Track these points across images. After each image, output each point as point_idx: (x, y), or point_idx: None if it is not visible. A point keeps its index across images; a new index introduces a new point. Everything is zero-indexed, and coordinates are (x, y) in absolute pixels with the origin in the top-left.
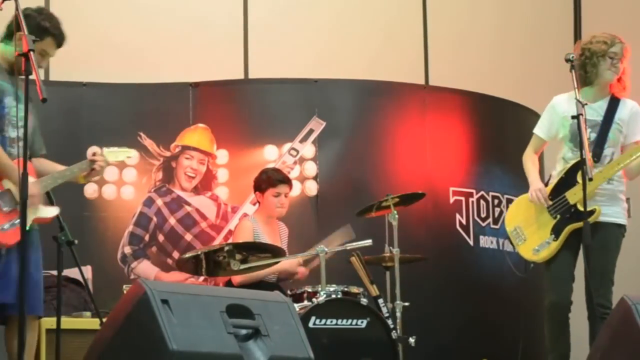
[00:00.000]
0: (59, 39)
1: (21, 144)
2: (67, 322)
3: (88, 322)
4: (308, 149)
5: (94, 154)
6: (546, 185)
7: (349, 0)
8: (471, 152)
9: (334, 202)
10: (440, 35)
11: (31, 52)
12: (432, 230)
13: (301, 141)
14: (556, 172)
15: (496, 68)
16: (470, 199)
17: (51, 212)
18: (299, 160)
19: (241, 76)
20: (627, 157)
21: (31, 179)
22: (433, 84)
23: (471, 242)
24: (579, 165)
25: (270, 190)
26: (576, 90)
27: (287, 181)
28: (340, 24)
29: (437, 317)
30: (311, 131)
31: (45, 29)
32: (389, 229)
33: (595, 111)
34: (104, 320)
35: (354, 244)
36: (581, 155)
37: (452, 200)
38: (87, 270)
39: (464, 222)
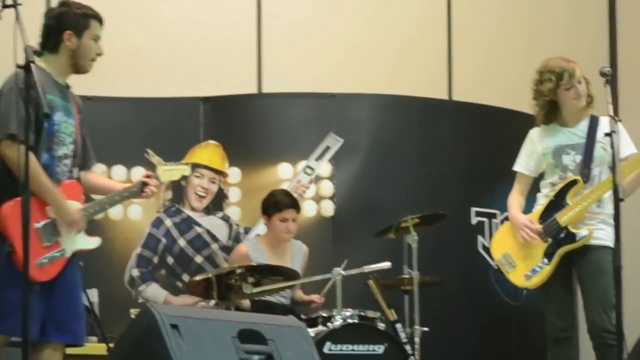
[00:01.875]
0: (99, 17)
1: (67, 161)
2: (73, 348)
3: (94, 347)
4: (324, 167)
5: (147, 176)
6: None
7: (369, 10)
8: (495, 172)
9: (351, 223)
10: (465, 48)
11: (32, 65)
12: (453, 252)
13: (317, 159)
14: (541, 195)
15: (523, 83)
16: (493, 220)
17: (93, 243)
18: (315, 179)
19: (254, 90)
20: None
21: (76, 204)
22: (457, 98)
23: (494, 265)
24: (568, 188)
25: (277, 215)
26: (609, 105)
27: (295, 206)
28: (359, 35)
29: (458, 343)
30: (327, 148)
31: (84, 15)
32: (408, 251)
33: (576, 135)
34: (111, 345)
35: (372, 266)
36: (613, 175)
37: (474, 221)
38: (93, 294)
39: (486, 244)
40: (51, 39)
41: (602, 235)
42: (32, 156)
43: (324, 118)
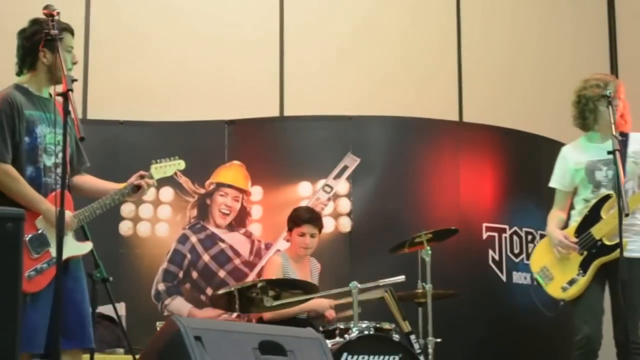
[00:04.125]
0: (70, 29)
1: (59, 170)
2: (101, 359)
3: (121, 358)
4: (342, 186)
5: (140, 176)
6: (567, 226)
7: (386, 39)
8: (504, 188)
9: (368, 238)
10: (474, 72)
11: (70, 92)
12: (465, 266)
13: (335, 178)
14: (575, 211)
15: (532, 105)
16: (504, 235)
17: (84, 248)
18: (333, 196)
19: (276, 113)
20: None
21: (67, 213)
22: (467, 120)
23: (504, 278)
24: (602, 202)
25: (296, 230)
26: (613, 125)
27: (313, 221)
28: (376, 62)
29: (470, 353)
30: (345, 168)
31: (61, 29)
32: (421, 265)
33: (607, 149)
34: (137, 357)
35: (387, 280)
36: (618, 190)
37: (485, 236)
38: (121, 307)
39: (497, 258)
40: (27, 58)
41: (636, 247)
42: (14, 171)
43: (341, 139)
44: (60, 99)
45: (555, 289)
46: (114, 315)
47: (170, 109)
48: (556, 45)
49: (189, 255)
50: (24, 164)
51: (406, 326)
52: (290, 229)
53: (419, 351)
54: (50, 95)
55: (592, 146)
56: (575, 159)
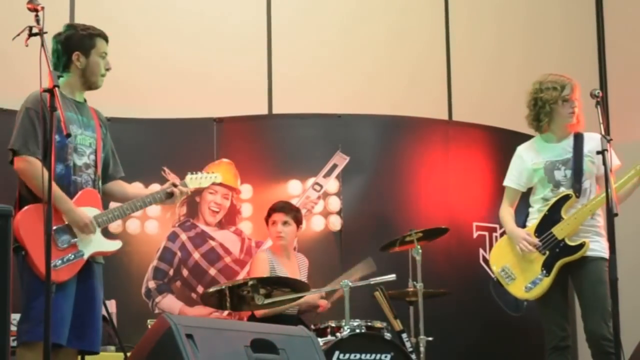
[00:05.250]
0: (104, 35)
1: (90, 170)
2: (91, 357)
3: (112, 356)
4: (332, 184)
5: (174, 185)
6: (524, 226)
7: (374, 37)
8: (494, 187)
9: (358, 236)
10: (463, 71)
11: (56, 88)
12: (456, 265)
13: (325, 176)
14: (534, 209)
15: (519, 104)
16: (494, 234)
17: (113, 246)
18: (323, 195)
19: (265, 111)
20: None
21: (94, 211)
22: (456, 119)
23: (493, 278)
24: (562, 202)
25: (269, 221)
26: (601, 125)
27: (282, 209)
28: (365, 60)
29: (461, 351)
30: (335, 166)
31: (90, 35)
32: (412, 264)
33: (564, 149)
34: (129, 354)
35: (378, 278)
36: (607, 191)
37: (475, 235)
38: (112, 305)
39: (487, 256)
40: (61, 60)
41: (597, 247)
42: (41, 166)
43: (331, 137)
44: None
45: (518, 289)
46: (104, 312)
47: (158, 106)
48: (543, 45)
49: (179, 253)
50: (54, 161)
51: (398, 325)
52: (267, 224)
53: (410, 350)
54: (85, 100)
55: (549, 146)
56: (532, 159)
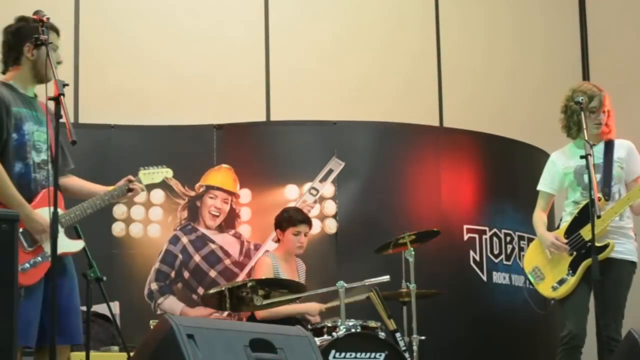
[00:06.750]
0: (55, 28)
1: (48, 167)
2: (96, 357)
3: (116, 356)
4: (328, 189)
5: (129, 180)
6: (558, 227)
7: (368, 47)
8: (484, 191)
9: (353, 239)
10: (454, 79)
11: (62, 97)
12: (447, 266)
13: (321, 181)
14: (566, 212)
15: (507, 110)
16: (484, 236)
17: (76, 246)
18: (319, 199)
19: (263, 118)
20: (635, 193)
21: (56, 212)
22: (447, 125)
23: (484, 278)
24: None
25: (290, 229)
26: (585, 130)
27: (307, 221)
28: (359, 69)
29: (453, 350)
30: (330, 171)
31: (47, 27)
32: (405, 265)
33: (594, 156)
34: (132, 354)
35: (372, 280)
36: (590, 194)
37: (466, 237)
38: (115, 306)
39: (477, 258)
40: (12, 53)
41: (623, 248)
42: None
43: (326, 144)
44: (51, 103)
45: (545, 288)
46: (108, 314)
47: (160, 114)
48: (529, 53)
49: (180, 256)
50: (12, 160)
51: (391, 324)
52: (283, 229)
53: (404, 348)
54: (35, 95)
55: (580, 152)
56: (564, 164)
